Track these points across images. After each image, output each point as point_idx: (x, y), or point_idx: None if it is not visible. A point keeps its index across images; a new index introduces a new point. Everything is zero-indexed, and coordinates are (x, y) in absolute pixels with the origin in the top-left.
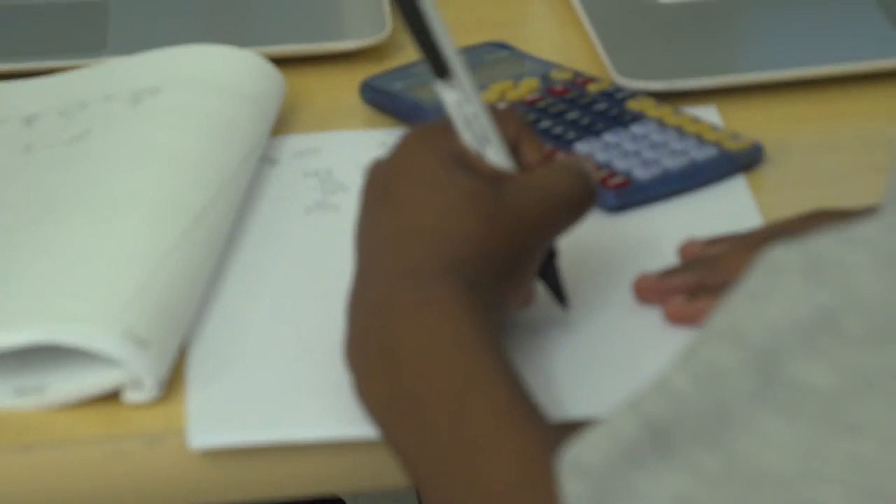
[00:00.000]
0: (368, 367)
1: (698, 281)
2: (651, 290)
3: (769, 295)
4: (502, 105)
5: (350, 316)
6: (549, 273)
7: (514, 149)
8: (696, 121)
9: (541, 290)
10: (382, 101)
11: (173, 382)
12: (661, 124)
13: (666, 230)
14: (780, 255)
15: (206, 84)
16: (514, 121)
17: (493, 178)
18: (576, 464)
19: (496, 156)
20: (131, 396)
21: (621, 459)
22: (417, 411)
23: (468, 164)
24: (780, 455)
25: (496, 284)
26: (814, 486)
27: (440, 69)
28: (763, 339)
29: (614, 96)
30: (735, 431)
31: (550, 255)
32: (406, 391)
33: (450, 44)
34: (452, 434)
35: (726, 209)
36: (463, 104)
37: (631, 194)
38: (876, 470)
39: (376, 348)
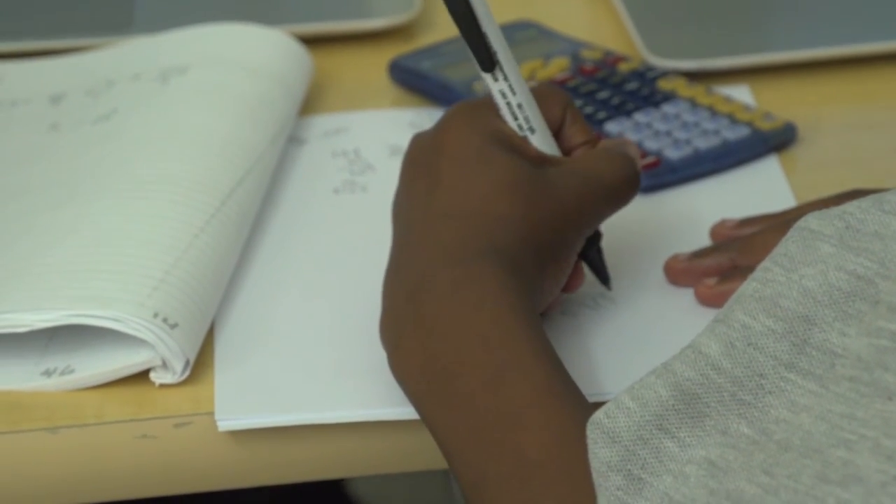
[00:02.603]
0: (404, 343)
1: (730, 262)
2: (682, 271)
3: (804, 262)
4: (539, 84)
5: (387, 293)
6: (593, 254)
7: (558, 130)
8: (728, 100)
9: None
10: (411, 80)
11: (201, 364)
12: (693, 104)
13: (697, 211)
14: (816, 224)
15: (235, 63)
16: (560, 102)
17: (537, 160)
18: (606, 429)
19: (540, 144)
20: (159, 378)
21: (651, 425)
22: (453, 386)
23: (512, 145)
24: (812, 420)
25: (535, 268)
26: (845, 449)
27: (486, 62)
28: (797, 306)
29: (645, 76)
30: (767, 397)
31: (594, 237)
32: (442, 366)
33: (497, 36)
34: (488, 408)
35: (759, 189)
36: (507, 94)
37: (662, 175)
38: None
39: (412, 324)
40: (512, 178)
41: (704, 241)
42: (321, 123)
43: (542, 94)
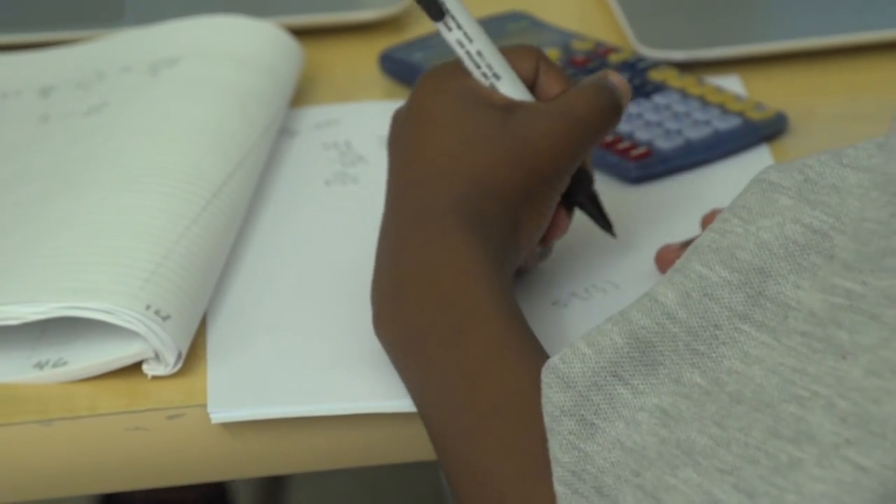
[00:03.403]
0: (383, 310)
1: None
2: (674, 261)
3: (762, 214)
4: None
5: (375, 259)
6: (582, 199)
7: (533, 83)
8: (719, 91)
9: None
10: (402, 71)
11: (193, 356)
12: (684, 94)
13: (689, 201)
14: (776, 176)
15: (225, 55)
16: (531, 55)
17: (505, 107)
18: (561, 374)
19: (508, 90)
20: (152, 370)
21: (606, 371)
22: (420, 346)
23: (478, 98)
24: (764, 373)
25: (505, 218)
26: (798, 405)
27: (433, 10)
28: (753, 258)
29: (636, 66)
30: (721, 348)
31: (586, 183)
32: (412, 329)
33: None
34: (449, 366)
35: (750, 180)
36: (465, 43)
37: (653, 165)
38: (862, 394)
39: (390, 290)
40: (479, 131)
41: (696, 230)
42: (312, 115)
43: (512, 51)
